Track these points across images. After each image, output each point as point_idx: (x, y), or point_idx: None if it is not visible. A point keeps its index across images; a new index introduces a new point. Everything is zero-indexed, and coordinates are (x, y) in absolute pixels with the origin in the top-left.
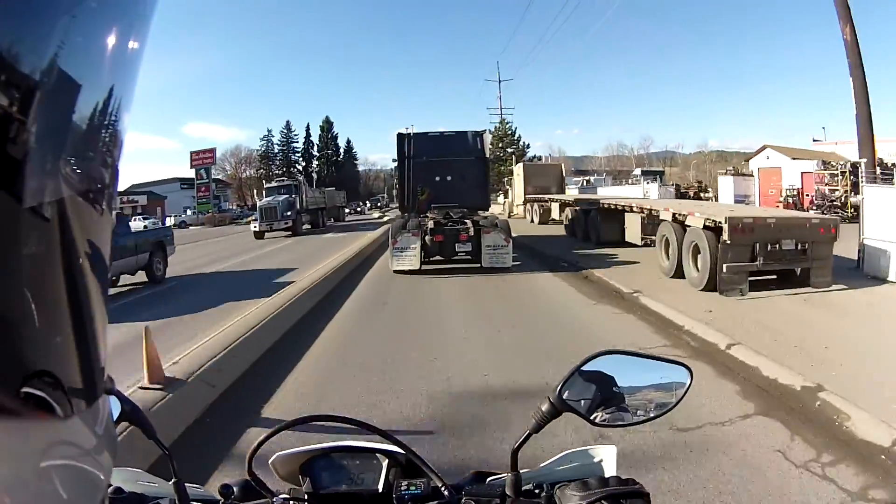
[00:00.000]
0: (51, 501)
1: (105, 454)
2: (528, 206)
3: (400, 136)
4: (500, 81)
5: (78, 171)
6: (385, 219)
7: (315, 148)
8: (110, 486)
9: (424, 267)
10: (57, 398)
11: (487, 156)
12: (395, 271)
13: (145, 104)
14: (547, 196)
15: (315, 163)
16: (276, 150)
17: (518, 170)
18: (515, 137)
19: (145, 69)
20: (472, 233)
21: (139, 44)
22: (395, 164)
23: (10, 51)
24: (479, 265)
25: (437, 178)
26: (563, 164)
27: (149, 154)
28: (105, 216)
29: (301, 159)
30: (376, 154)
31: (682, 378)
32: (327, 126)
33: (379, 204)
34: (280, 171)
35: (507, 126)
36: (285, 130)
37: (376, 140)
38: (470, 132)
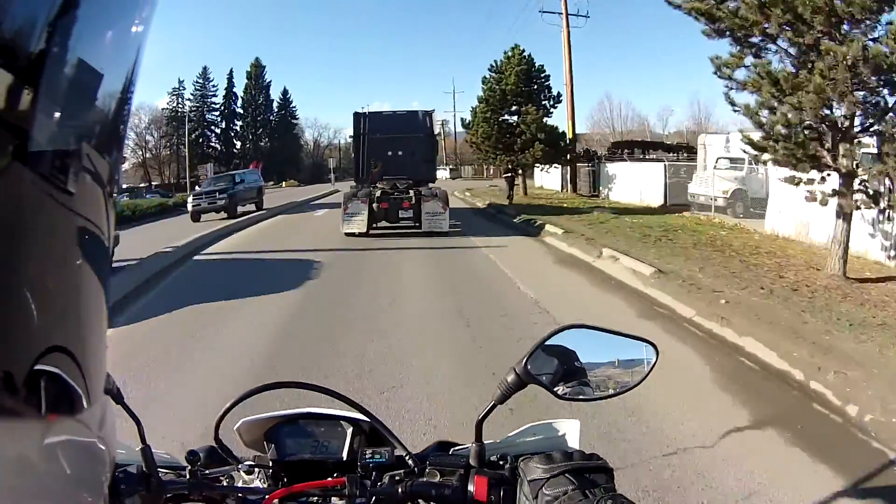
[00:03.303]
0: (54, 499)
1: (106, 451)
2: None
3: (356, 115)
4: None
5: (84, 159)
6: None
7: (239, 102)
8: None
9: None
10: (59, 398)
11: (435, 133)
12: (346, 234)
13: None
14: None
15: (239, 123)
16: (187, 109)
17: None
18: None
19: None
20: (413, 201)
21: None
22: (352, 139)
23: (14, 25)
24: (420, 228)
25: (389, 153)
26: None
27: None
28: (108, 210)
29: (221, 119)
30: (343, 126)
31: (648, 355)
32: (257, 72)
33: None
34: (192, 138)
35: None
36: (201, 80)
37: (342, 104)
38: (420, 111)
